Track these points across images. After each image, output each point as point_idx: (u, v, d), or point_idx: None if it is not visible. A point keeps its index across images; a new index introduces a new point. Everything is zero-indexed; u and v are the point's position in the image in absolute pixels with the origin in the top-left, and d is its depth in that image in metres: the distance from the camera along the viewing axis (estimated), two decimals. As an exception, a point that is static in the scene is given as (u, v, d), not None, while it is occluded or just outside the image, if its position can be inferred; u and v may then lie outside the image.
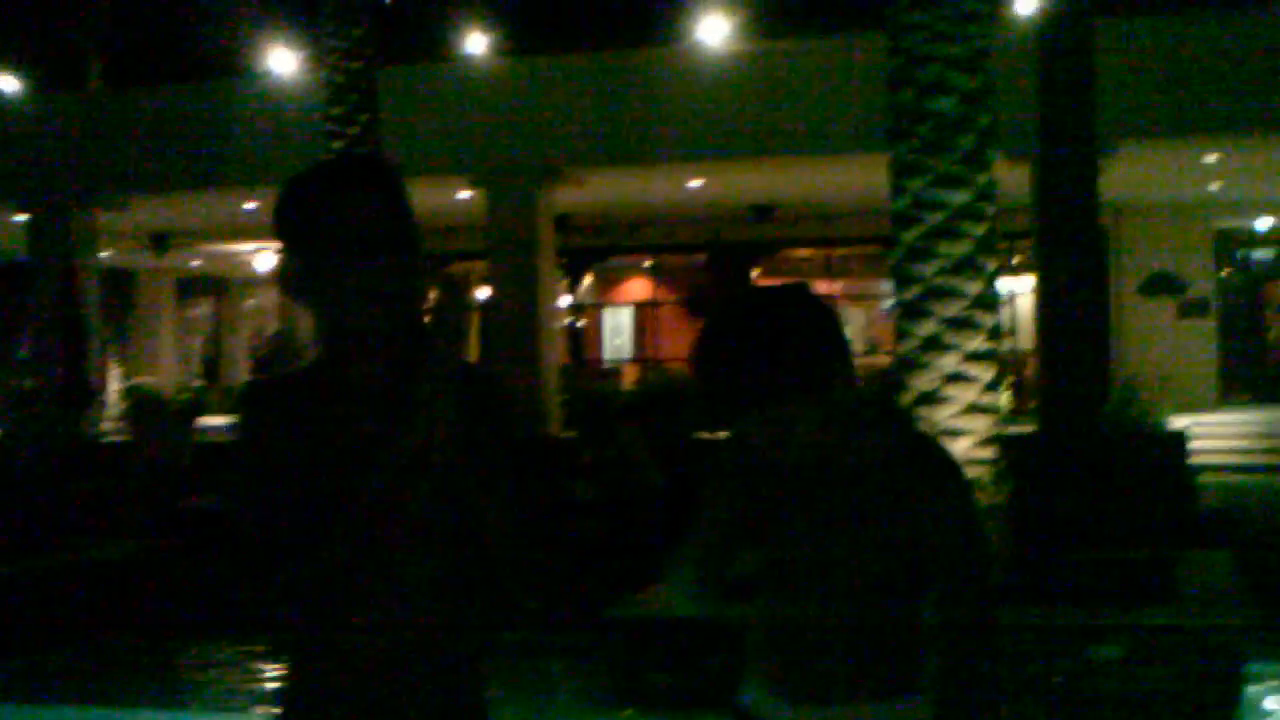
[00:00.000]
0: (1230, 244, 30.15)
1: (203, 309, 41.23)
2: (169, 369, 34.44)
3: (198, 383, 36.67)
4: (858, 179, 21.38)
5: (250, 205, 25.44)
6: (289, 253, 2.70)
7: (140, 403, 24.58)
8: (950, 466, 2.87)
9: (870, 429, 2.86)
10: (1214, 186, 25.29)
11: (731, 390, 2.73)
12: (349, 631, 2.63)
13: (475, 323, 33.84)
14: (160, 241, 29.63)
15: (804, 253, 31.91)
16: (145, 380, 30.93)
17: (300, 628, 2.66)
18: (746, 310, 2.76)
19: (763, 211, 27.00)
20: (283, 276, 2.71)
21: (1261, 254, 31.86)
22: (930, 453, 2.90)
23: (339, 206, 2.62)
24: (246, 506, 2.62)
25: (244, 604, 2.70)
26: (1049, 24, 13.73)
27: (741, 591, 3.00)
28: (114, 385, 31.02)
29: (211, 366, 40.07)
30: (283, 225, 2.70)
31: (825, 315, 2.78)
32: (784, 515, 2.87)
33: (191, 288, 38.51)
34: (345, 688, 2.63)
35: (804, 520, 2.85)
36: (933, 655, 2.87)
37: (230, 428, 2.81)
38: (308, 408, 2.65)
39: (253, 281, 38.54)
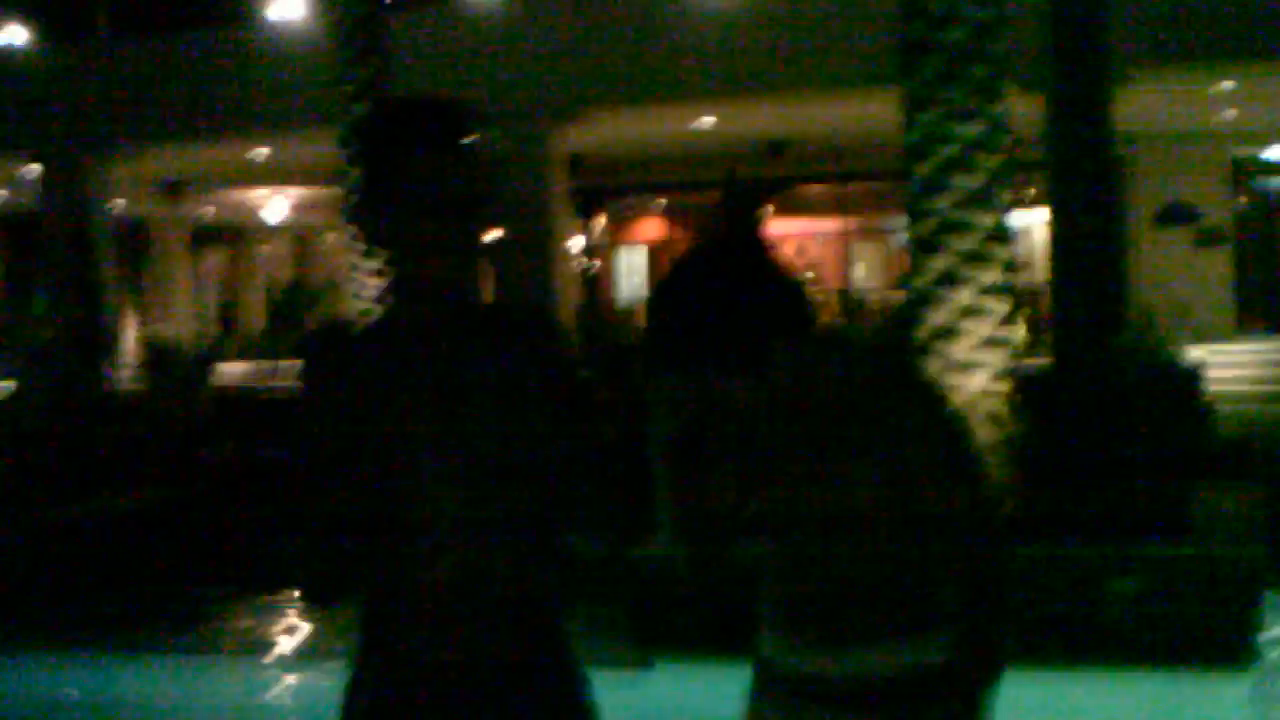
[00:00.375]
0: (1245, 172, 29.98)
1: (218, 258, 41.27)
2: (184, 318, 34.48)
3: (214, 331, 36.75)
4: (870, 113, 21.26)
5: (263, 151, 25.41)
6: (364, 196, 2.71)
7: (156, 353, 24.64)
8: (929, 388, 2.86)
9: (859, 363, 2.82)
10: (1228, 114, 25.13)
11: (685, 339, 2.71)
12: (421, 571, 2.64)
13: (488, 265, 33.85)
14: (174, 190, 29.61)
15: (817, 188, 31.82)
16: (161, 330, 30.98)
17: (371, 575, 2.69)
18: (699, 268, 2.74)
19: (776, 147, 26.91)
20: (358, 219, 2.77)
21: (1277, 182, 31.69)
22: (910, 377, 2.89)
23: (408, 166, 2.62)
24: (313, 454, 2.68)
25: (307, 555, 2.70)
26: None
27: (751, 536, 2.96)
28: (130, 335, 31.09)
29: (227, 315, 40.14)
30: (360, 166, 2.74)
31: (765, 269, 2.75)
32: (785, 454, 2.82)
33: (206, 237, 38.53)
34: (420, 629, 2.66)
35: (805, 457, 2.80)
36: (948, 589, 2.84)
37: (295, 375, 2.82)
38: (371, 355, 2.71)
39: (267, 229, 38.53)
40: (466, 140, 2.67)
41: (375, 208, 2.68)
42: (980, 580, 2.82)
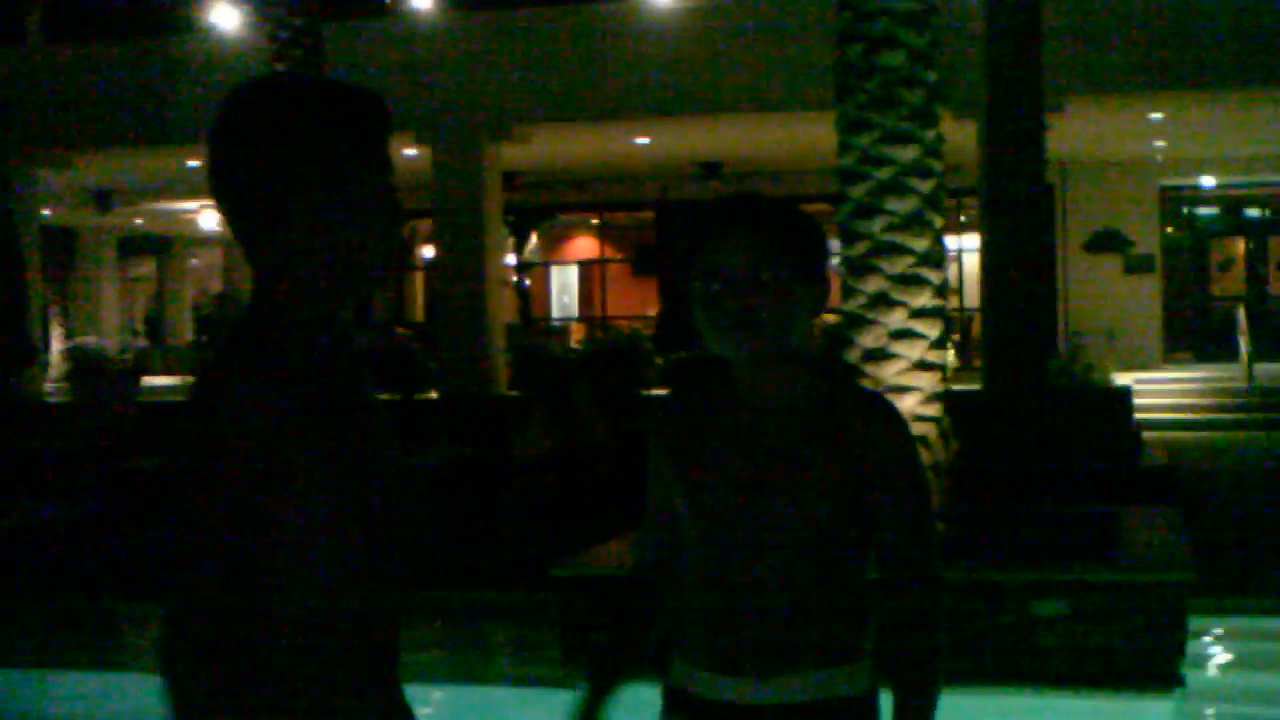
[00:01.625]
0: (1175, 201, 30.31)
1: (145, 268, 40.95)
2: (111, 329, 34.18)
3: (141, 343, 36.43)
4: (805, 135, 21.36)
5: (194, 163, 25.23)
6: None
7: (82, 363, 24.41)
8: (888, 406, 2.87)
9: (809, 376, 2.85)
10: (1159, 144, 25.40)
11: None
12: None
13: (421, 281, 33.74)
14: (103, 199, 29.37)
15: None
16: (88, 340, 30.69)
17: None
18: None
19: (710, 168, 26.97)
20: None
21: (1206, 211, 32.05)
22: (869, 395, 2.94)
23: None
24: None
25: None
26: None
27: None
28: (56, 345, 30.79)
29: (154, 326, 39.81)
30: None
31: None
32: (716, 464, 2.83)
33: (134, 246, 38.23)
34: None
35: (739, 468, 2.81)
36: (876, 615, 2.82)
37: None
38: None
39: (196, 240, 38.26)
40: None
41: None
42: (914, 601, 2.79)
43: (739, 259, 2.76)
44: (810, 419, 2.80)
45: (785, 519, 2.77)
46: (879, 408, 2.85)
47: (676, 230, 2.96)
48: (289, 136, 2.32)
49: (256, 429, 2.23)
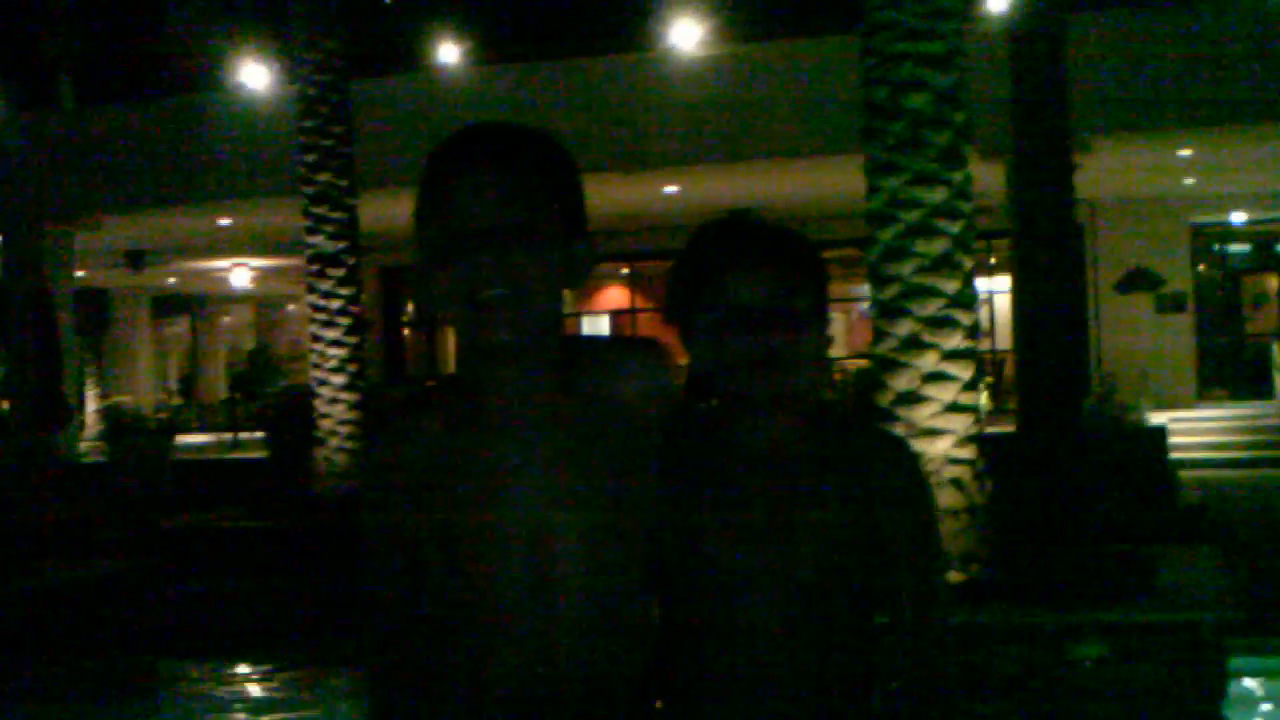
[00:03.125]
0: (1206, 239, 30.21)
1: (179, 327, 41.12)
2: (145, 387, 34.30)
3: (175, 401, 36.55)
4: (833, 182, 21.38)
5: (225, 221, 25.35)
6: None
7: (117, 422, 24.49)
8: (910, 455, 2.70)
9: (819, 417, 2.69)
10: (1189, 181, 25.33)
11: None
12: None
13: (451, 334, 33.79)
14: (136, 259, 29.53)
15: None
16: (122, 399, 30.80)
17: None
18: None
19: (739, 216, 26.98)
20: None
21: (1237, 248, 31.92)
22: (891, 440, 2.76)
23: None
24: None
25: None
26: (1021, 19, 13.70)
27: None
28: (91, 405, 30.92)
29: (188, 384, 39.94)
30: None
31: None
32: (721, 508, 2.61)
33: (168, 305, 38.40)
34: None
35: (747, 514, 2.61)
36: (882, 683, 2.68)
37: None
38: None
39: (228, 298, 38.42)
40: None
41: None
42: (929, 679, 2.65)
43: (761, 292, 2.59)
44: (822, 464, 2.62)
45: (801, 569, 2.59)
46: (900, 455, 2.67)
47: (682, 257, 2.69)
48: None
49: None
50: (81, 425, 26.22)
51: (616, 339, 2.66)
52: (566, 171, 2.50)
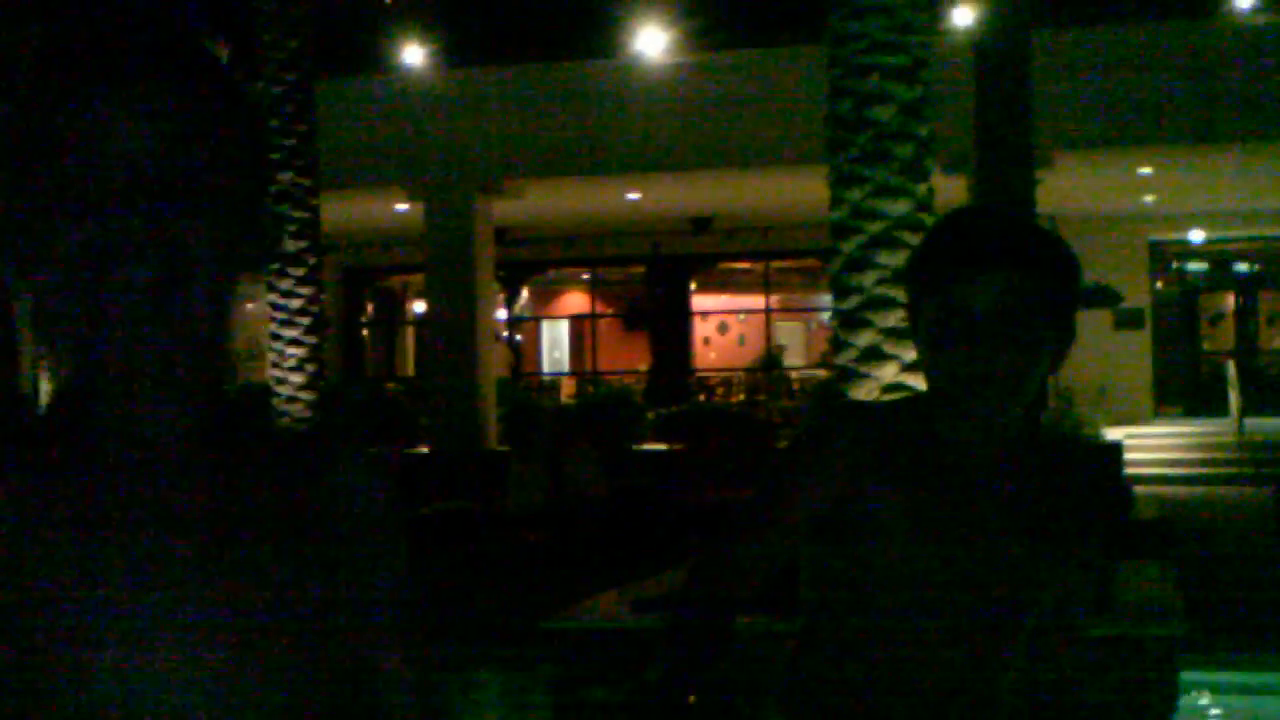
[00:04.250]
0: (1164, 256, 30.40)
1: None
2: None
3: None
4: (796, 191, 21.42)
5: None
6: None
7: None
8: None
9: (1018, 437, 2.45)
10: (1149, 199, 25.48)
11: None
12: None
13: (412, 336, 33.73)
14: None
15: (742, 265, 32.00)
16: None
17: None
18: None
19: (701, 223, 27.02)
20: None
21: (1195, 266, 32.14)
22: (1079, 468, 2.55)
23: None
24: None
25: None
26: (986, 35, 13.79)
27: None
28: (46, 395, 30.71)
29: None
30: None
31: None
32: (945, 510, 2.38)
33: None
34: None
35: (978, 520, 2.38)
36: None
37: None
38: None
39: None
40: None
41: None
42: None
43: (994, 304, 2.24)
44: (1029, 478, 2.41)
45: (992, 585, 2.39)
46: (1084, 475, 2.50)
47: (926, 244, 2.26)
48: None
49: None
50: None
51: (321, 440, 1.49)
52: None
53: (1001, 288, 2.25)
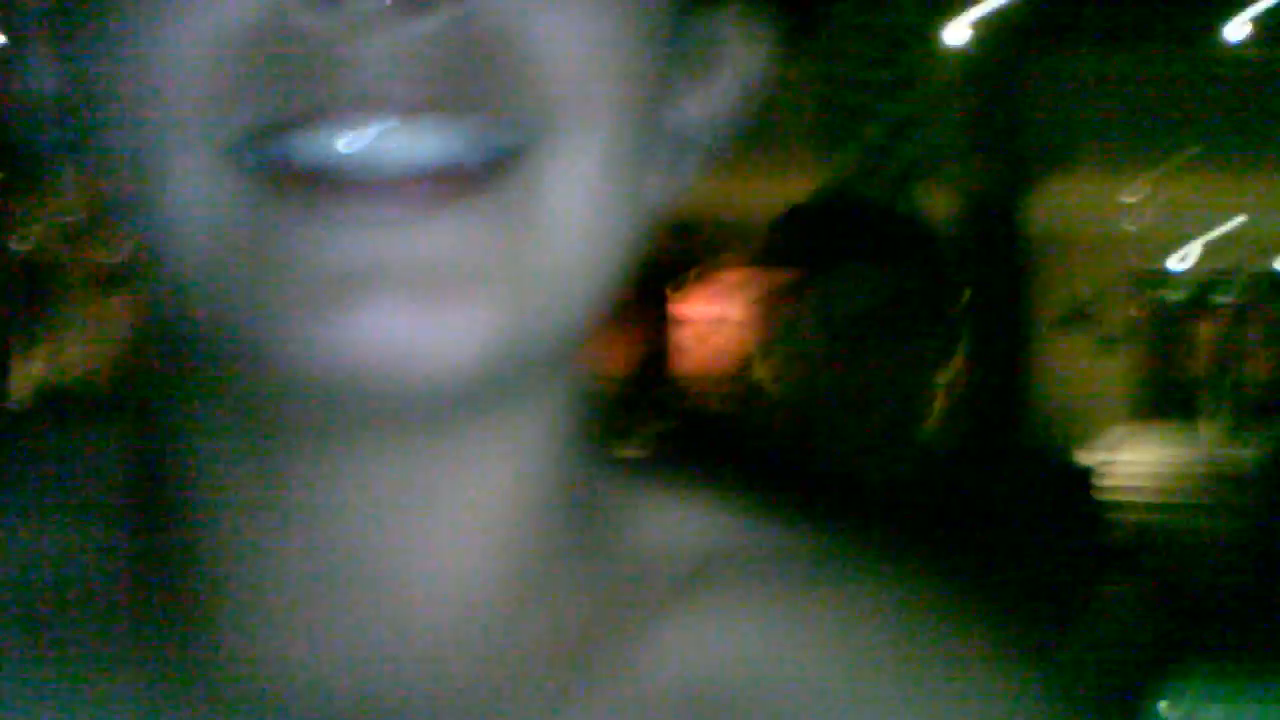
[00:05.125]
0: (1144, 282, 30.39)
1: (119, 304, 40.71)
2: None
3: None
4: (784, 198, 21.38)
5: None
6: None
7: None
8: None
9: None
10: (1131, 224, 25.48)
11: None
12: None
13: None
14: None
15: (727, 274, 31.90)
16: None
17: None
18: None
19: (684, 228, 26.98)
20: None
21: (1174, 293, 32.15)
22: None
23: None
24: None
25: None
26: (978, 55, 13.80)
27: None
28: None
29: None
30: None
31: None
32: None
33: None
34: None
35: None
36: None
37: None
38: None
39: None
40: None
41: None
42: None
43: (859, 306, 1.94)
44: None
45: None
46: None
47: (770, 241, 2.00)
48: None
49: None
50: (10, 400, 25.91)
51: None
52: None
53: (872, 285, 1.96)
